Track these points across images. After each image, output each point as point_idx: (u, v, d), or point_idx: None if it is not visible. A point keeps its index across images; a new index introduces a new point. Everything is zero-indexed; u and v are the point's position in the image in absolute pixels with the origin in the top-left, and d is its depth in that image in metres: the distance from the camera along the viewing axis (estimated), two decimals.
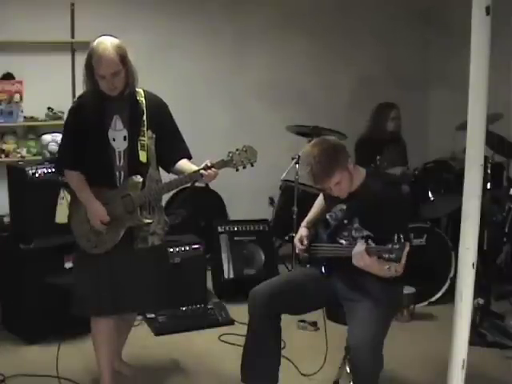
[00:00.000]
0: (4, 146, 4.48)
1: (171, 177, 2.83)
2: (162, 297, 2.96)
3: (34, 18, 4.44)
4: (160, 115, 2.85)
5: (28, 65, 4.46)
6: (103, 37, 2.66)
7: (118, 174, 2.76)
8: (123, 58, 2.64)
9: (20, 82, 4.44)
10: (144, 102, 2.79)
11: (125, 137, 2.75)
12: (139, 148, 2.74)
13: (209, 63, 5.21)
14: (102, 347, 2.85)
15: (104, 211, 2.72)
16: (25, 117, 4.49)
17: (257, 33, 5.35)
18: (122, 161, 2.75)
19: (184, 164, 2.83)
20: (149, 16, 4.90)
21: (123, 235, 2.75)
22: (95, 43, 2.63)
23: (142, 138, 2.75)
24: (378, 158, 4.30)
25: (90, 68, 2.64)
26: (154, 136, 2.81)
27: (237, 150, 2.71)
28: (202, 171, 2.68)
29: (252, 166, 2.74)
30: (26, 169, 3.43)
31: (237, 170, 2.73)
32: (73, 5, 4.63)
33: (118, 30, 4.70)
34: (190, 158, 2.90)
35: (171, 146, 2.87)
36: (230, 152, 2.72)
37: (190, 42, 5.12)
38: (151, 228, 2.82)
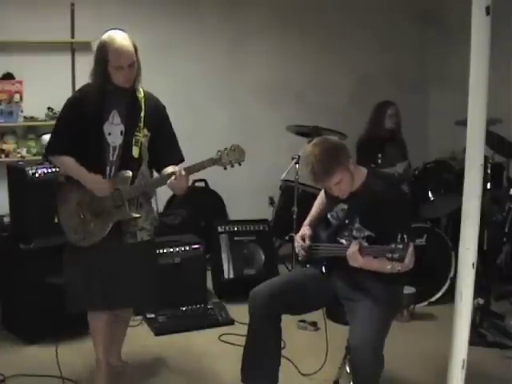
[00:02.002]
0: (4, 146, 4.47)
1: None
2: (152, 292, 3.00)
3: (34, 18, 4.45)
4: (157, 116, 2.88)
5: (28, 65, 4.46)
6: (113, 31, 2.71)
7: (109, 168, 2.79)
8: (136, 50, 2.71)
9: (20, 82, 4.44)
10: (143, 99, 2.82)
11: (121, 131, 2.78)
12: (133, 143, 2.77)
13: (208, 63, 5.21)
14: (98, 337, 2.94)
15: (100, 177, 2.75)
16: (25, 117, 4.49)
17: (256, 32, 5.35)
18: (115, 155, 2.78)
19: (168, 169, 2.84)
20: (148, 16, 4.90)
21: (113, 230, 2.77)
22: (107, 37, 2.67)
23: (138, 134, 2.78)
24: (379, 156, 4.30)
25: (103, 61, 2.67)
26: (149, 135, 2.83)
27: (225, 149, 2.73)
28: (168, 180, 2.71)
29: (240, 165, 2.75)
30: (26, 169, 3.43)
31: (225, 168, 2.74)
32: (73, 5, 4.63)
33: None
34: (182, 161, 2.92)
35: (165, 150, 2.90)
36: (218, 151, 2.73)
37: (188, 42, 5.12)
38: (139, 223, 2.85)
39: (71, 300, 2.86)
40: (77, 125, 2.74)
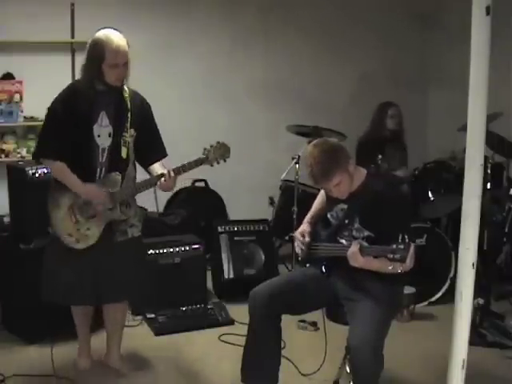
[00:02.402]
0: (4, 146, 4.48)
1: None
2: (144, 285, 3.05)
3: (34, 18, 4.44)
4: (143, 114, 2.91)
5: (28, 65, 4.46)
6: (108, 29, 2.74)
7: (99, 169, 2.82)
8: (128, 50, 2.75)
9: (20, 82, 4.43)
10: (129, 98, 2.85)
11: (110, 133, 2.81)
12: (122, 144, 2.81)
13: (208, 63, 5.21)
14: (81, 326, 3.15)
15: (96, 187, 2.78)
16: (25, 117, 4.49)
17: (255, 32, 5.35)
18: (104, 157, 2.81)
19: (156, 167, 2.91)
20: (148, 16, 4.90)
21: (104, 230, 2.83)
22: (104, 35, 2.70)
23: (125, 135, 2.82)
24: (379, 157, 4.30)
25: (98, 59, 2.69)
26: (135, 134, 2.87)
27: (211, 146, 2.81)
28: (158, 182, 2.78)
29: (225, 161, 2.85)
30: (26, 169, 3.42)
31: (211, 165, 2.82)
32: (73, 5, 4.63)
33: (118, 29, 4.70)
34: (165, 156, 3.00)
35: (151, 146, 2.96)
36: (205, 149, 2.81)
37: (188, 42, 5.12)
38: (129, 221, 2.91)
39: (58, 292, 2.90)
40: (68, 125, 2.75)
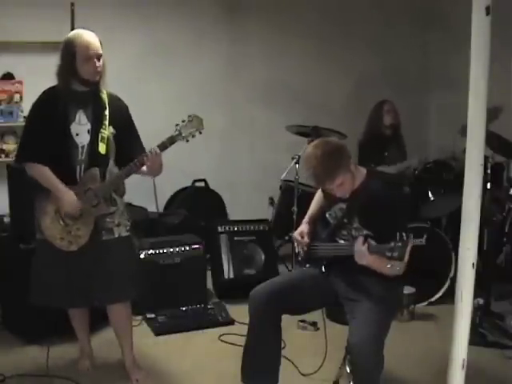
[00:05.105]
0: (4, 146, 4.48)
1: None
2: (139, 284, 3.03)
3: (34, 18, 4.45)
4: (122, 115, 2.92)
5: (28, 65, 4.46)
6: (78, 29, 2.80)
7: (78, 168, 2.82)
8: (101, 46, 2.77)
9: (20, 82, 4.43)
10: (106, 99, 2.86)
11: (88, 130, 2.82)
12: (99, 140, 2.80)
13: (208, 64, 5.22)
14: (78, 325, 3.17)
15: (76, 200, 2.77)
16: (25, 117, 4.48)
17: (255, 33, 5.36)
18: (83, 154, 2.81)
19: None
20: (148, 17, 4.90)
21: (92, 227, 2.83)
22: (74, 33, 2.76)
23: (103, 131, 2.81)
24: (381, 156, 4.30)
25: (70, 56, 2.72)
26: (115, 132, 2.87)
27: (183, 121, 2.77)
28: (138, 161, 2.75)
29: (200, 133, 2.78)
30: None
31: (187, 141, 2.77)
32: (73, 5, 4.63)
33: (118, 30, 4.72)
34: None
35: (129, 148, 2.93)
36: (176, 125, 2.77)
37: (188, 43, 5.12)
38: (116, 219, 2.89)
39: (47, 295, 2.90)
40: (46, 127, 2.77)
